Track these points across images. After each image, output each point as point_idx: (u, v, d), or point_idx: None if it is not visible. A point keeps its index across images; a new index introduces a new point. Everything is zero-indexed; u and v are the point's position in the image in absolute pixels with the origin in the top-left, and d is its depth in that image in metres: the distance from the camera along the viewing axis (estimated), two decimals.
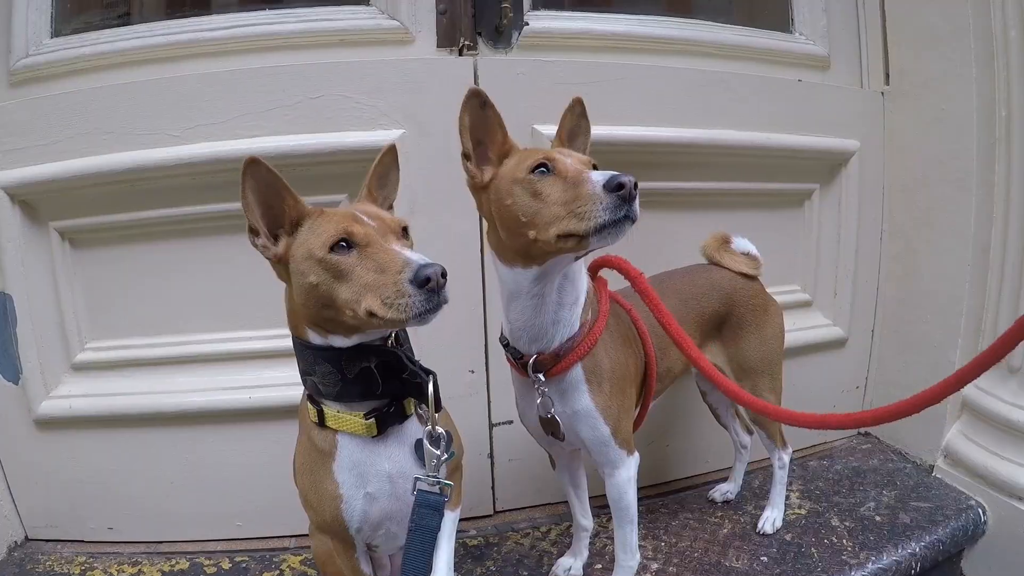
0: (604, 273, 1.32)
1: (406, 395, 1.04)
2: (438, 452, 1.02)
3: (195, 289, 1.65)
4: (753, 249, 1.59)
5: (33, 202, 1.62)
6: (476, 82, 1.58)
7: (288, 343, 1.06)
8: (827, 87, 1.92)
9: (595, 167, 1.08)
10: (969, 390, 1.88)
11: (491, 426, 1.69)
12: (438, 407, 1.04)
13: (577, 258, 1.11)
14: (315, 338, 0.99)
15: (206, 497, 1.72)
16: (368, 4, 1.67)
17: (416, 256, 0.92)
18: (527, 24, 1.66)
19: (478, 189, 1.14)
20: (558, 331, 1.16)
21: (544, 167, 1.02)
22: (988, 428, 1.82)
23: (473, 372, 1.65)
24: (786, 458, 1.66)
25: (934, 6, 1.84)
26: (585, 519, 1.50)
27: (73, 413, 1.67)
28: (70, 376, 1.72)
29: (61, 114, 1.57)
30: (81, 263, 1.68)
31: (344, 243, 0.93)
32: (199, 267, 1.64)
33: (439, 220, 1.58)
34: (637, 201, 0.95)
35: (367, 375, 0.99)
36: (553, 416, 1.21)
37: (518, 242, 1.06)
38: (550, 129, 1.60)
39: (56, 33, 1.71)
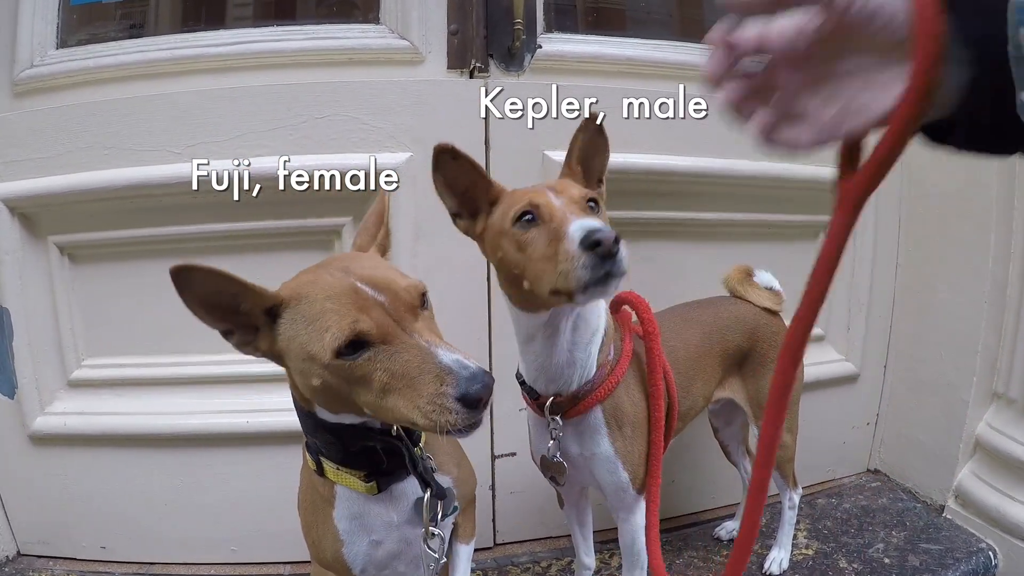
0: None
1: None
2: (435, 555, 0.92)
3: None
4: (776, 284, 1.48)
5: (32, 215, 1.51)
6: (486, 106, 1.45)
7: None
8: None
9: (594, 202, 0.97)
10: (983, 429, 1.75)
11: (493, 458, 1.56)
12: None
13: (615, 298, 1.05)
14: (322, 411, 0.85)
15: (201, 520, 1.60)
16: (378, 23, 1.55)
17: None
18: (540, 47, 1.54)
19: (476, 240, 1.05)
20: (575, 373, 1.06)
21: (529, 214, 0.91)
22: (1001, 469, 1.69)
23: None
24: (796, 498, 1.54)
25: None
26: (588, 557, 1.38)
27: (68, 430, 1.57)
28: (66, 393, 1.61)
29: (63, 127, 1.47)
30: (80, 279, 1.58)
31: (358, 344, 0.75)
32: None
33: (444, 248, 1.46)
34: (622, 254, 0.83)
35: (371, 452, 0.87)
36: (559, 461, 1.10)
37: (518, 292, 0.97)
38: (562, 155, 1.48)
39: (61, 44, 1.60)
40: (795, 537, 1.68)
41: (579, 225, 0.84)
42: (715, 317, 1.37)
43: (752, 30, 0.50)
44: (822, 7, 0.46)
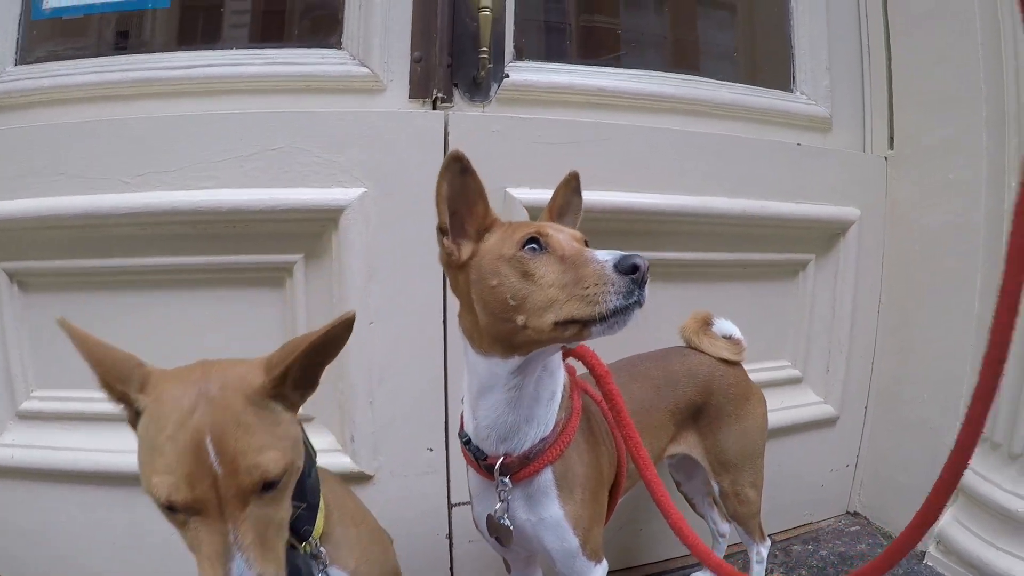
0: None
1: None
2: None
3: (147, 344, 1.40)
4: (736, 332, 1.34)
5: None
6: (446, 139, 1.33)
7: None
8: (827, 151, 1.66)
9: (586, 243, 0.88)
10: (966, 473, 1.62)
11: (450, 506, 1.44)
12: None
13: (564, 348, 0.94)
14: None
15: (149, 561, 1.48)
16: (340, 48, 1.43)
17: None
18: (507, 76, 1.42)
19: (453, 267, 0.91)
20: (531, 431, 0.94)
21: (535, 242, 0.83)
22: (984, 516, 1.57)
23: (431, 450, 1.40)
24: (764, 552, 1.42)
25: (944, 68, 1.58)
26: None
27: (15, 463, 1.45)
28: (14, 424, 1.49)
29: (15, 149, 1.35)
30: (30, 307, 1.46)
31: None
32: (152, 321, 1.40)
33: (399, 288, 1.34)
34: (647, 285, 0.78)
35: None
36: (506, 524, 0.98)
37: (501, 328, 0.85)
38: (525, 193, 1.37)
39: (20, 61, 1.48)
40: None
41: (608, 252, 0.79)
42: (665, 371, 1.24)
43: None
44: None
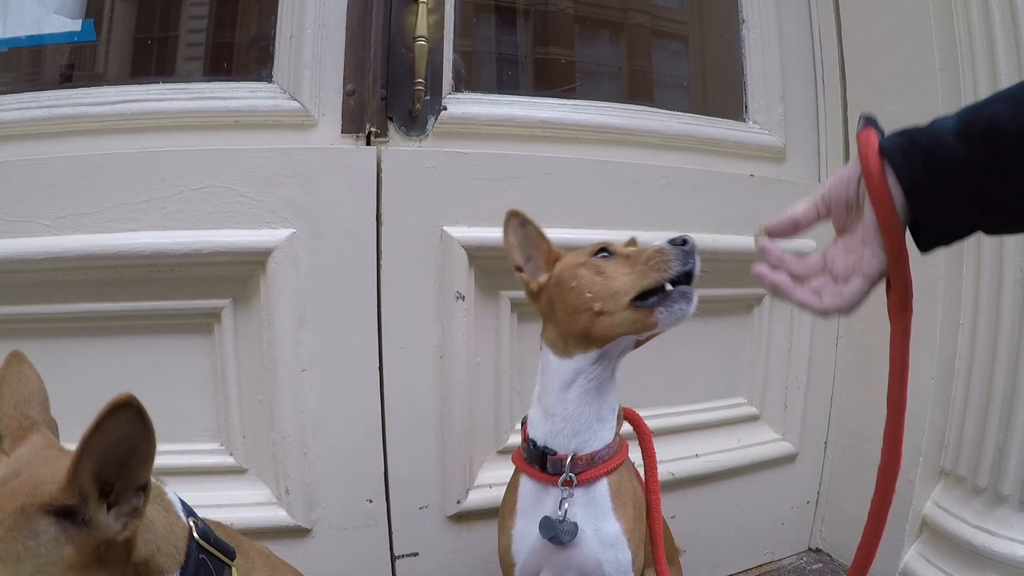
0: None
1: None
2: None
3: (67, 396, 1.29)
4: None
5: None
6: (379, 175, 1.24)
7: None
8: (781, 182, 1.58)
9: None
10: (929, 508, 1.55)
11: (393, 559, 1.34)
12: None
13: (638, 344, 0.99)
14: None
15: None
16: (271, 81, 1.33)
17: None
18: (445, 108, 1.32)
19: (535, 293, 1.03)
20: (600, 431, 0.99)
21: (605, 251, 0.98)
22: (949, 550, 1.49)
23: (371, 501, 1.30)
24: None
25: (901, 95, 1.51)
26: None
27: None
28: None
29: None
30: None
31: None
32: (73, 371, 1.27)
33: (332, 333, 1.24)
34: (698, 259, 0.92)
35: None
36: (572, 521, 0.96)
37: (579, 320, 0.94)
38: (463, 232, 1.28)
39: None
40: None
41: (669, 237, 0.93)
42: None
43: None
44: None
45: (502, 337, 1.33)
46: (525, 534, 1.01)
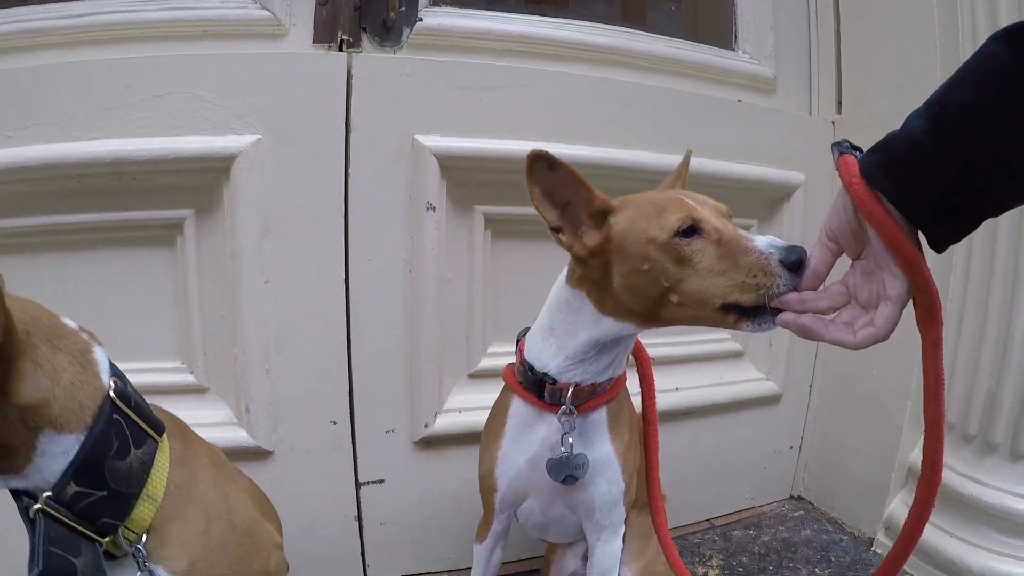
0: None
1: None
2: None
3: None
4: None
5: None
6: (349, 81, 1.18)
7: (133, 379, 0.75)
8: (771, 111, 1.51)
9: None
10: (917, 456, 1.49)
11: (358, 485, 1.28)
12: None
13: None
14: None
15: None
16: None
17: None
18: (420, 20, 1.26)
19: (582, 257, 0.84)
20: (610, 370, 0.90)
21: (693, 230, 0.77)
22: (937, 501, 1.41)
23: (335, 423, 1.24)
24: None
25: (899, 33, 1.44)
26: None
27: None
28: None
29: None
30: None
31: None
32: (33, 287, 1.21)
33: (297, 244, 1.19)
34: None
35: None
36: (579, 452, 0.90)
37: (648, 305, 0.80)
38: (435, 141, 1.22)
39: None
40: (705, 575, 1.41)
41: (767, 239, 0.74)
42: None
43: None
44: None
45: (475, 254, 1.27)
46: (511, 458, 0.94)
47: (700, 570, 1.44)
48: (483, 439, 1.00)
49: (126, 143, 1.15)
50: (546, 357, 0.90)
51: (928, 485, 0.70)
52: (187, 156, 1.15)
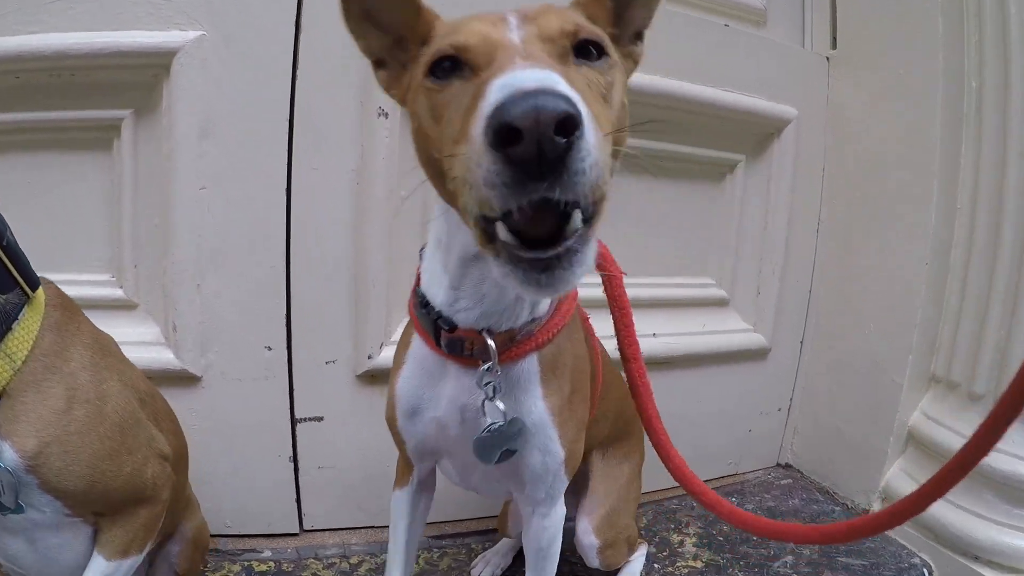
0: None
1: None
2: None
3: None
4: None
5: None
6: None
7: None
8: (761, 39, 1.38)
9: (594, 47, 0.53)
10: (917, 418, 1.36)
11: (294, 422, 1.15)
12: None
13: None
14: None
15: None
16: None
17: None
18: None
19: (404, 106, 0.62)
20: (525, 310, 0.66)
21: (449, 59, 0.51)
22: (938, 466, 1.27)
23: (271, 349, 1.12)
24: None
25: None
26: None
27: None
28: None
29: None
30: None
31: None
32: None
33: (237, 148, 1.08)
34: (580, 178, 0.40)
35: None
36: (504, 428, 0.66)
37: (446, 197, 0.55)
38: None
39: None
40: (682, 544, 1.27)
41: (505, 82, 0.40)
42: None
43: None
44: None
45: None
46: (415, 412, 0.73)
47: (676, 538, 1.29)
48: (390, 377, 0.77)
49: (67, 36, 1.06)
50: (435, 285, 0.67)
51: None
52: (127, 51, 1.05)
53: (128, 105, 1.10)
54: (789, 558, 1.24)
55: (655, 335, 1.30)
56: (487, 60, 0.48)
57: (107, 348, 0.76)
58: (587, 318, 0.84)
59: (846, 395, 1.44)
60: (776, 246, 1.42)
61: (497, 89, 0.40)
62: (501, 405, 0.65)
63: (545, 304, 0.67)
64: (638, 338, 0.85)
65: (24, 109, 1.09)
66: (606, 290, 0.81)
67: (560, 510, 0.79)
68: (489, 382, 0.65)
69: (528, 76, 0.40)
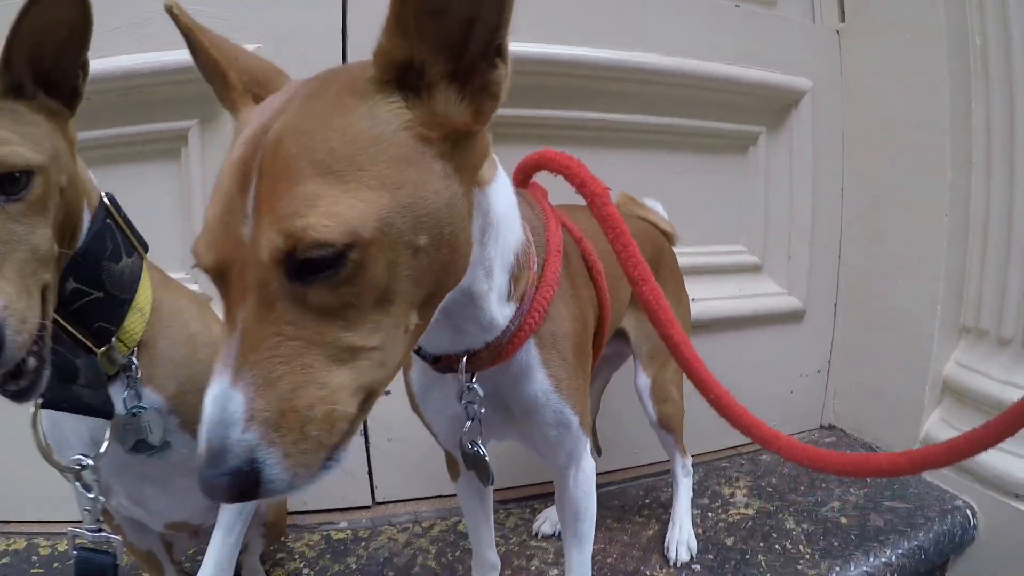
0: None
1: None
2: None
3: None
4: (665, 215, 1.18)
5: None
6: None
7: None
8: (773, 17, 1.46)
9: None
10: (951, 368, 1.40)
11: None
12: None
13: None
14: None
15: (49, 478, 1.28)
16: None
17: None
18: None
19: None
20: (489, 333, 0.63)
21: None
22: (975, 412, 1.33)
23: None
24: (689, 464, 1.19)
25: None
26: (493, 554, 0.96)
27: None
28: None
29: None
30: None
31: None
32: None
33: None
34: None
35: None
36: (479, 453, 0.69)
37: None
38: None
39: None
40: (733, 496, 1.32)
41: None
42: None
43: None
44: None
45: None
46: (433, 411, 0.74)
47: (727, 491, 1.35)
48: None
49: (135, 58, 1.16)
50: None
51: None
52: (192, 66, 1.15)
53: (193, 116, 1.20)
54: (836, 504, 1.29)
55: (694, 299, 1.35)
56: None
57: (204, 305, 0.84)
58: (581, 239, 0.78)
59: (881, 352, 1.49)
60: (803, 212, 1.49)
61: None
62: (468, 426, 0.66)
63: (501, 316, 0.62)
64: None
65: (95, 127, 1.18)
66: (594, 212, 0.72)
67: (588, 465, 0.80)
68: (471, 402, 0.65)
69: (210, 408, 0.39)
